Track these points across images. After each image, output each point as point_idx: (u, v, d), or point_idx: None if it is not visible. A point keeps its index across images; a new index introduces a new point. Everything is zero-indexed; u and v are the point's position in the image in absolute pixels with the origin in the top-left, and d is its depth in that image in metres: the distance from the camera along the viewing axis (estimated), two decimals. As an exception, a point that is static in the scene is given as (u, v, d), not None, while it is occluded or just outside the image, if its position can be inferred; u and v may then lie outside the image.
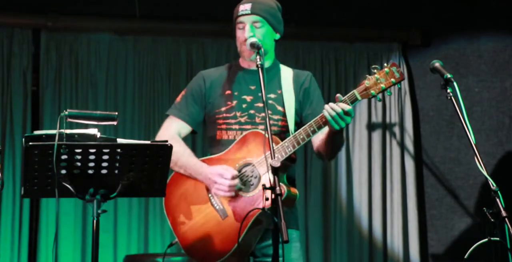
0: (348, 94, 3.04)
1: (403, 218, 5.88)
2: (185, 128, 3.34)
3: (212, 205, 3.16)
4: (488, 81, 5.92)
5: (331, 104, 3.00)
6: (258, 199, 3.07)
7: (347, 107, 2.99)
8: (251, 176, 3.12)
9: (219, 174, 3.10)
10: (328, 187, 5.92)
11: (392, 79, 3.06)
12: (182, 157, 3.20)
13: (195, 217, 3.17)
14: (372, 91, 3.05)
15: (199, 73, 3.45)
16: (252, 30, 3.22)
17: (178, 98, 3.39)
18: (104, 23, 5.75)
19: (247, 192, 3.12)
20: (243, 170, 3.15)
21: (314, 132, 3.08)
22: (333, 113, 2.97)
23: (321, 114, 3.06)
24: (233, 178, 3.09)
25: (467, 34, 5.97)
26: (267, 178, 3.04)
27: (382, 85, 3.05)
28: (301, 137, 3.08)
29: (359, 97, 3.04)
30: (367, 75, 3.07)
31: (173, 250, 3.43)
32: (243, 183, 3.13)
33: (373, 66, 3.08)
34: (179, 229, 3.20)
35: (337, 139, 3.15)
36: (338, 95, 3.04)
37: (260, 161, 3.11)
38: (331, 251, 5.83)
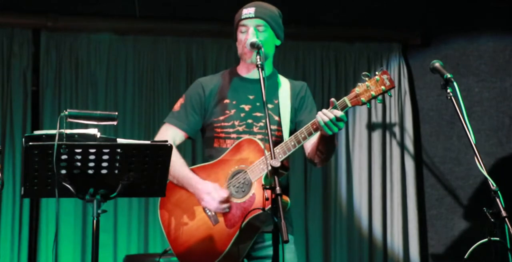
0: (339, 101, 3.07)
1: (403, 218, 5.88)
2: (181, 137, 3.35)
3: (205, 210, 3.19)
4: (488, 81, 5.92)
5: (324, 110, 3.03)
6: (249, 205, 3.09)
7: (340, 113, 3.02)
8: (243, 183, 3.14)
9: (207, 192, 3.14)
10: (328, 187, 5.92)
11: (382, 87, 3.08)
12: (174, 166, 3.19)
13: (187, 223, 3.19)
14: (362, 98, 3.08)
15: (197, 81, 3.43)
16: (255, 33, 3.23)
17: (177, 107, 3.38)
18: (104, 23, 5.74)
19: (239, 198, 3.14)
20: (236, 177, 3.17)
21: (305, 139, 3.10)
22: (326, 119, 3.00)
23: (312, 121, 3.09)
24: (222, 202, 3.12)
25: (467, 34, 5.97)
26: (258, 184, 3.07)
27: (372, 93, 3.08)
28: (292, 143, 3.11)
29: (349, 104, 3.07)
30: (358, 83, 3.10)
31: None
32: (235, 189, 3.15)
33: (364, 73, 3.12)
34: (171, 235, 3.22)
35: (329, 144, 3.17)
36: (332, 99, 3.07)
37: (252, 167, 3.13)
38: (331, 251, 5.83)
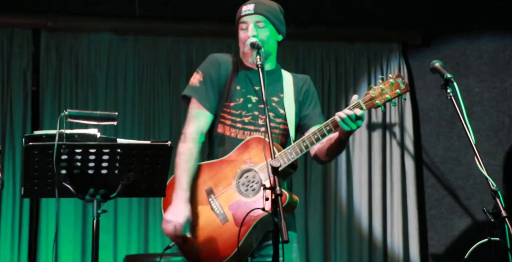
0: (353, 104, 3.06)
1: (403, 218, 5.88)
2: (208, 123, 3.26)
3: (212, 209, 3.16)
4: (488, 81, 5.92)
5: (344, 110, 3.03)
6: (259, 204, 3.06)
7: (360, 111, 3.02)
8: (253, 181, 3.13)
9: (172, 220, 3.10)
10: (328, 187, 5.92)
11: (397, 90, 3.10)
12: (179, 170, 3.16)
13: (194, 220, 3.16)
14: (377, 102, 3.09)
15: (213, 56, 3.34)
16: (255, 30, 3.22)
17: (196, 82, 3.28)
18: (104, 23, 5.74)
19: (248, 197, 3.12)
20: (245, 175, 3.15)
21: (318, 140, 3.10)
22: (344, 116, 3.00)
23: (324, 123, 3.09)
24: (178, 237, 3.11)
25: (467, 34, 5.97)
26: (268, 183, 3.04)
27: (387, 96, 3.09)
28: (305, 144, 3.10)
29: (364, 107, 3.07)
30: (372, 85, 3.11)
31: (173, 251, 3.42)
32: (245, 188, 3.14)
33: (380, 76, 3.12)
34: None
35: (344, 145, 3.19)
36: (355, 96, 3.08)
37: (262, 166, 3.11)
38: (331, 251, 5.83)
